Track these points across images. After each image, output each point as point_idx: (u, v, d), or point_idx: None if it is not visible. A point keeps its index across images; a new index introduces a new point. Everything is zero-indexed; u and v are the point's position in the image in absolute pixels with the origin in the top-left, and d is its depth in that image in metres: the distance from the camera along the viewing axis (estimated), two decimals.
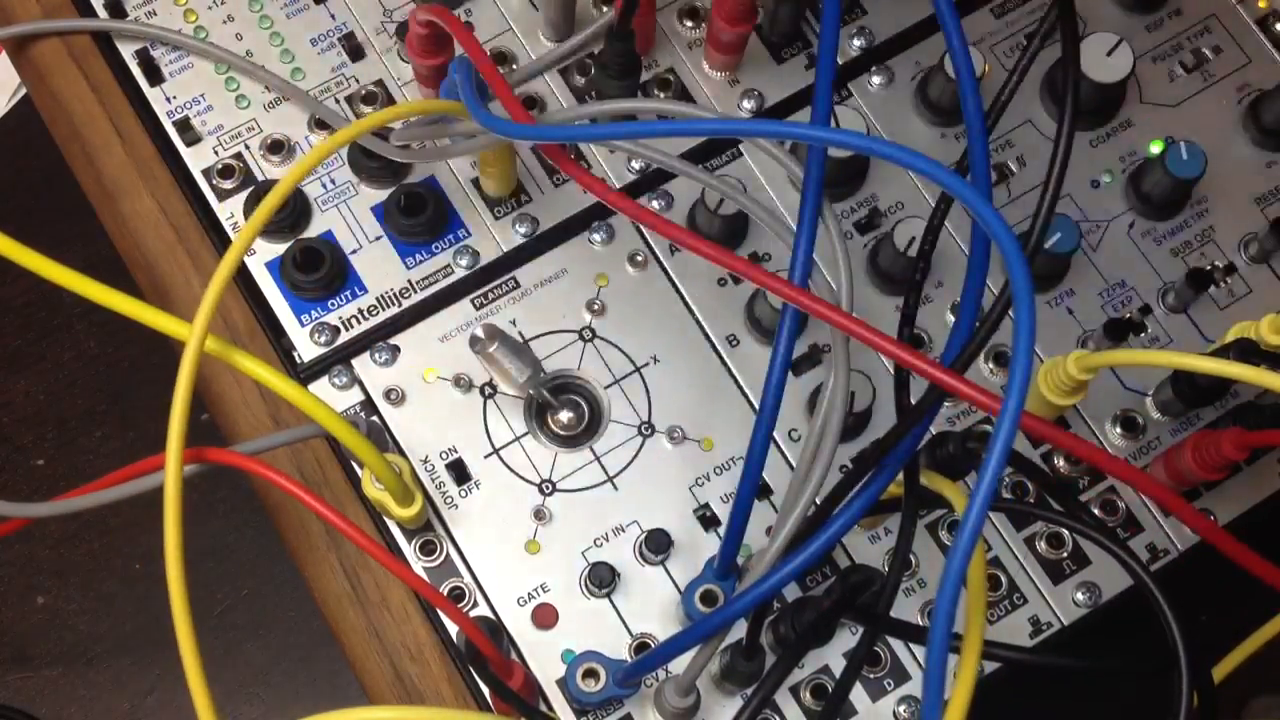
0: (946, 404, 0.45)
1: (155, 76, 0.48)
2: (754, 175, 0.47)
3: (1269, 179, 0.49)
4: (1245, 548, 0.34)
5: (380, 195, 0.47)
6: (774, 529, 0.38)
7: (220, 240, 0.46)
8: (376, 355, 0.45)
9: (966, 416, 0.45)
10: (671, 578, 0.43)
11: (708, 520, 0.44)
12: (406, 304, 0.46)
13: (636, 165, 0.47)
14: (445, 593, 0.43)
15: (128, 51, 0.48)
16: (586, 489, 0.44)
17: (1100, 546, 0.37)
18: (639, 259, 0.46)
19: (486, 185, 0.46)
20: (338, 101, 0.48)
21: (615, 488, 0.44)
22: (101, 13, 0.48)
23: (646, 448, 0.44)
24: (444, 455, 0.44)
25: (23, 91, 0.64)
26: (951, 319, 0.46)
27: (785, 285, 0.36)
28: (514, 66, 0.48)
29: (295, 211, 0.46)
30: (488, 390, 0.45)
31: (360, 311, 0.45)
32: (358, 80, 0.48)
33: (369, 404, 0.44)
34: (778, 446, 0.45)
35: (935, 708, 0.29)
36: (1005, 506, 0.42)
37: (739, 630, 0.40)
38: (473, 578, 0.43)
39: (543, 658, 0.42)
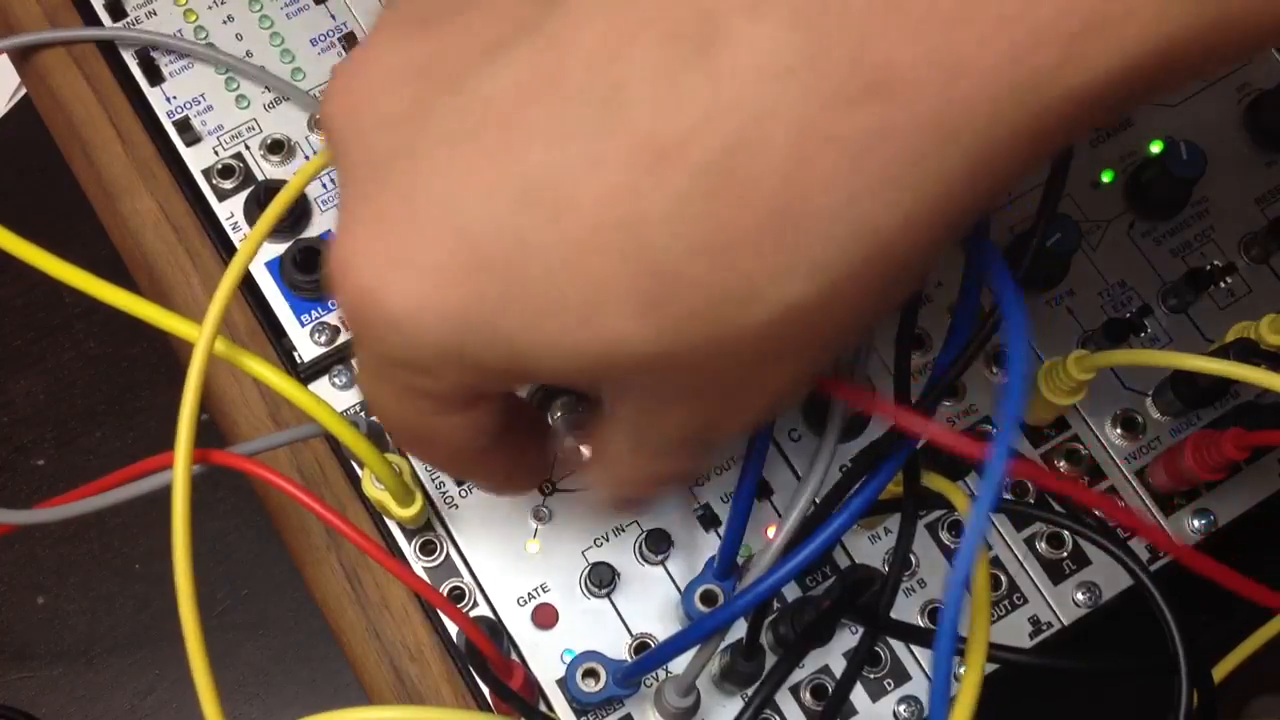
0: (946, 403, 0.45)
1: (155, 76, 0.48)
2: None
3: (1269, 179, 0.49)
4: (1225, 567, 0.33)
5: None
6: (774, 529, 0.38)
7: (221, 240, 0.46)
8: None
9: (966, 416, 0.45)
10: (671, 578, 0.43)
11: (708, 520, 0.44)
12: None
13: None
14: (445, 593, 0.43)
15: (128, 52, 0.48)
16: (586, 488, 0.44)
17: (1100, 547, 0.37)
18: None
19: None
20: None
21: None
22: (102, 14, 0.48)
23: None
24: None
25: (23, 92, 0.64)
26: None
27: None
28: None
29: (296, 212, 0.46)
30: None
31: None
32: None
33: None
34: (778, 446, 0.45)
35: (941, 712, 0.29)
36: (1005, 507, 0.42)
37: (739, 630, 0.40)
38: (473, 578, 0.43)
39: (543, 658, 0.42)
